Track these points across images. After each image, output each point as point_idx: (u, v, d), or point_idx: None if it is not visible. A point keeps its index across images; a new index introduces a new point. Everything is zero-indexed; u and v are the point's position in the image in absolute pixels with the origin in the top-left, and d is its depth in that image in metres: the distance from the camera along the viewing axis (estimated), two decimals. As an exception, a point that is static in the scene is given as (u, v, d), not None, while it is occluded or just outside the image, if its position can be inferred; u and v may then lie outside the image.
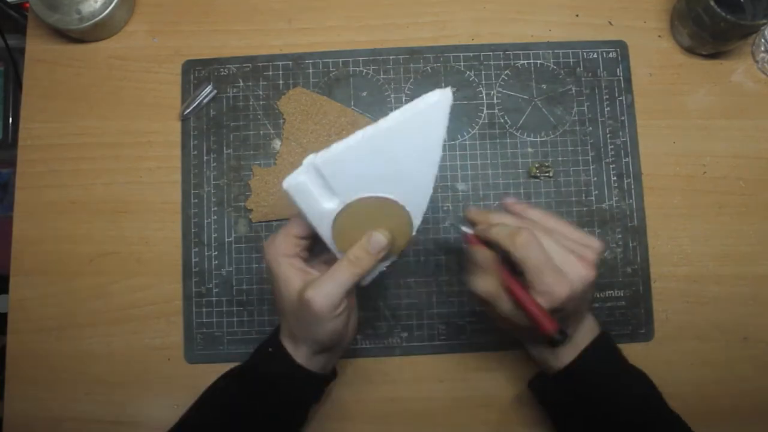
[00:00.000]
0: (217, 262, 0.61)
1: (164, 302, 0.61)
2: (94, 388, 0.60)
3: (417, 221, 0.48)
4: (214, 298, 0.61)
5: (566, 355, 0.48)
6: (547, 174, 0.62)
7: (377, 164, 0.44)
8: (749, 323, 0.60)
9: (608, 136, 0.62)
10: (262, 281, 0.61)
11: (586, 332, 0.49)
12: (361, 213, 0.45)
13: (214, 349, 0.60)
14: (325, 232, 0.45)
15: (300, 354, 0.48)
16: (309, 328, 0.46)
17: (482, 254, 0.46)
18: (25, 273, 0.61)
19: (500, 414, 0.59)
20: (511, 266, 0.45)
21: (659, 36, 0.64)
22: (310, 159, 0.42)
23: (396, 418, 0.59)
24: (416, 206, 0.47)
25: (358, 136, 0.42)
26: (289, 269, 0.46)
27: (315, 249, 0.49)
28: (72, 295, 0.61)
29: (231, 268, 0.61)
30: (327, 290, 0.44)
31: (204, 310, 0.61)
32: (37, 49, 0.65)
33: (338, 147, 0.42)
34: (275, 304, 0.50)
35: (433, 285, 0.61)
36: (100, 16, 0.61)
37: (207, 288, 0.61)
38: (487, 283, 0.46)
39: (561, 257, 0.44)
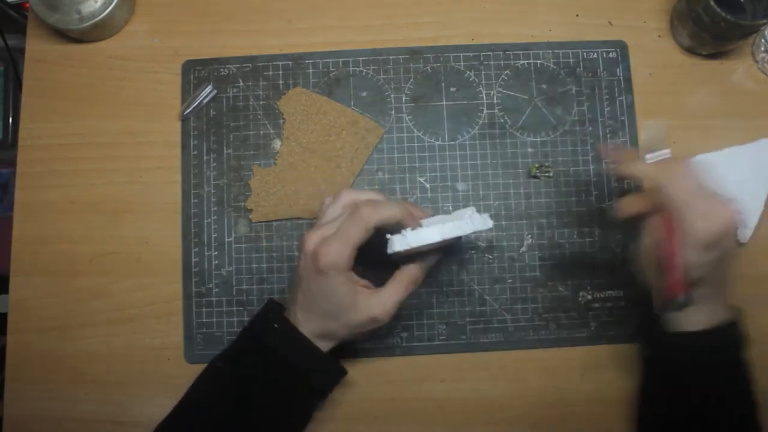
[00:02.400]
0: (217, 262, 0.61)
1: (164, 302, 0.61)
2: (94, 388, 0.60)
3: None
4: (214, 298, 0.61)
5: (698, 319, 0.47)
6: (547, 174, 0.62)
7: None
8: (749, 323, 0.60)
9: (608, 136, 0.62)
10: (262, 281, 0.61)
11: (722, 311, 0.48)
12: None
13: (214, 349, 0.60)
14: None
15: (327, 346, 0.51)
16: (358, 334, 0.50)
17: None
18: (25, 273, 0.61)
19: (500, 414, 0.59)
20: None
21: (659, 36, 0.64)
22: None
23: (396, 418, 0.59)
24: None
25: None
26: (351, 284, 0.48)
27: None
28: (72, 295, 0.61)
29: (231, 268, 0.61)
30: (390, 307, 0.49)
31: (204, 310, 0.61)
32: (37, 49, 0.65)
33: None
34: (310, 303, 0.49)
35: (433, 285, 0.61)
36: (100, 16, 0.61)
37: (207, 288, 0.61)
38: (635, 203, 0.47)
39: (709, 197, 0.44)
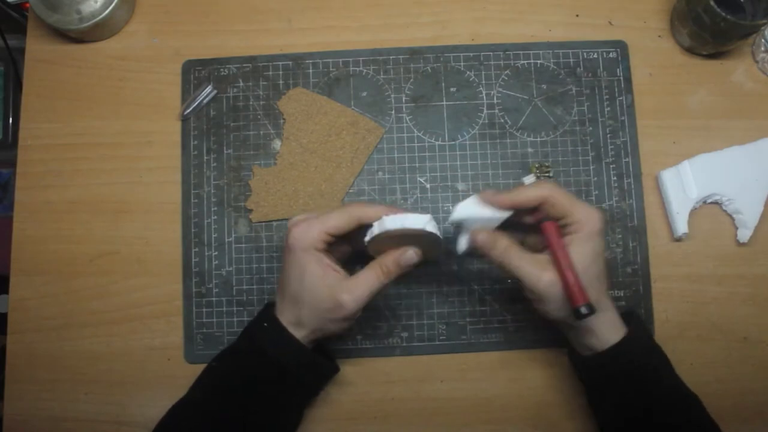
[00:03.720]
0: (217, 262, 0.61)
1: (164, 302, 0.61)
2: (94, 388, 0.60)
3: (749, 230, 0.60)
4: (214, 298, 0.61)
5: (608, 336, 0.49)
6: (547, 174, 0.62)
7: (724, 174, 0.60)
8: (749, 323, 0.60)
9: (608, 136, 0.62)
10: (262, 281, 0.61)
11: (616, 320, 0.50)
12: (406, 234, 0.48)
13: (214, 349, 0.60)
14: None
15: (301, 336, 0.50)
16: (325, 321, 0.49)
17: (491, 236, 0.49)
18: (25, 273, 0.61)
19: (500, 414, 0.59)
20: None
21: (659, 36, 0.64)
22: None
23: (396, 418, 0.59)
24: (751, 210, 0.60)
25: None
26: (320, 265, 0.48)
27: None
28: (72, 295, 0.61)
29: (231, 268, 0.61)
30: (359, 294, 0.48)
31: (204, 310, 0.61)
32: (37, 49, 0.65)
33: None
34: (284, 287, 0.50)
35: (433, 285, 0.61)
36: (100, 16, 0.61)
37: (207, 288, 0.61)
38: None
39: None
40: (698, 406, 0.50)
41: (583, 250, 0.47)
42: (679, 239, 0.60)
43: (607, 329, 0.49)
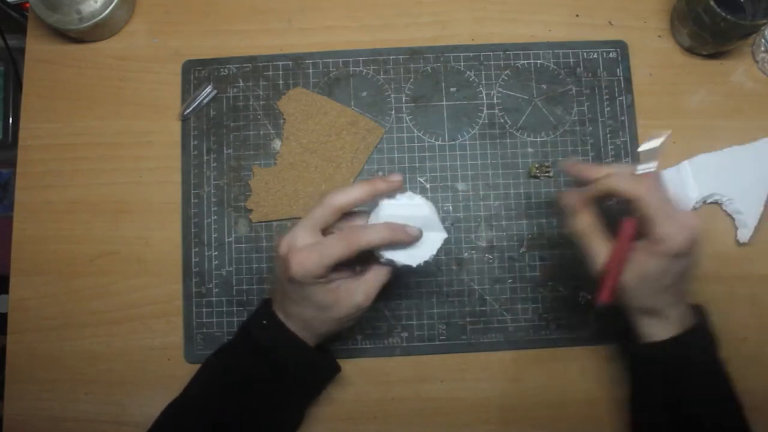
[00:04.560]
0: (217, 262, 0.61)
1: (164, 302, 0.61)
2: (94, 388, 0.60)
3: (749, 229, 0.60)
4: (214, 298, 0.61)
5: (668, 327, 0.49)
6: (547, 174, 0.62)
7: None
8: (749, 323, 0.60)
9: (608, 136, 0.62)
10: (262, 281, 0.61)
11: (688, 314, 0.50)
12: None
13: (213, 349, 0.59)
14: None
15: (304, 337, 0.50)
16: (336, 326, 0.50)
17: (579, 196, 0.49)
18: (25, 273, 0.61)
19: (500, 414, 0.59)
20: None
21: (659, 36, 0.64)
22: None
23: (396, 418, 0.59)
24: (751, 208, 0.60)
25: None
26: (326, 288, 0.47)
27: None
28: (72, 295, 0.61)
29: (231, 268, 0.61)
30: (370, 290, 0.48)
31: (204, 310, 0.61)
32: (37, 49, 0.65)
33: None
34: (288, 306, 0.49)
35: (433, 285, 0.61)
36: (100, 16, 0.61)
37: (207, 288, 0.61)
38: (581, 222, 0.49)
39: (678, 208, 0.46)
40: (739, 415, 0.50)
41: (648, 262, 0.46)
42: None
43: (671, 324, 0.49)
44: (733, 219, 0.61)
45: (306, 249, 0.45)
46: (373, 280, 0.49)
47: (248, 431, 0.51)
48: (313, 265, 0.45)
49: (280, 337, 0.50)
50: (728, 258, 0.61)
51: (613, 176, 0.47)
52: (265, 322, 0.51)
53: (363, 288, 0.48)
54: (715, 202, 0.61)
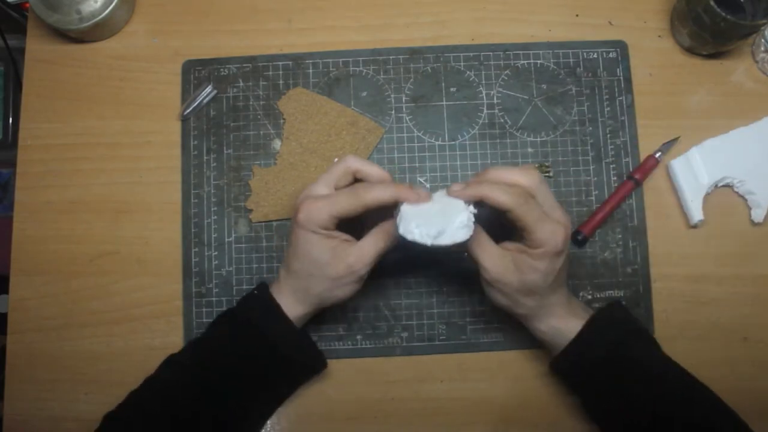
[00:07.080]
0: (217, 262, 0.61)
1: (164, 302, 0.61)
2: (94, 388, 0.60)
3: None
4: (214, 298, 0.61)
5: (571, 327, 0.50)
6: (547, 174, 0.62)
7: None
8: (749, 323, 0.60)
9: (608, 136, 0.62)
10: (262, 281, 0.61)
11: (581, 308, 0.53)
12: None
13: (214, 349, 0.60)
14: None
15: (296, 311, 0.52)
16: (333, 288, 0.50)
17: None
18: (25, 273, 0.61)
19: (500, 414, 0.59)
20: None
21: (659, 36, 0.64)
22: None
23: (396, 418, 0.59)
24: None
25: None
26: (328, 239, 0.49)
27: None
28: (72, 295, 0.61)
29: (231, 268, 0.61)
30: (366, 255, 0.49)
31: (204, 310, 0.61)
32: (37, 49, 0.65)
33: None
34: (290, 261, 0.51)
35: (433, 285, 0.61)
36: (100, 16, 0.61)
37: (207, 288, 0.61)
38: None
39: (543, 209, 0.48)
40: (688, 383, 0.51)
41: (536, 265, 0.47)
42: (695, 226, 0.60)
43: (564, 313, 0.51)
44: (745, 200, 0.61)
45: (318, 198, 0.49)
46: (368, 245, 0.50)
47: (232, 401, 0.53)
48: (320, 212, 0.48)
49: (270, 316, 0.52)
50: (728, 258, 0.61)
51: (484, 185, 0.47)
52: (256, 292, 0.53)
53: (357, 251, 0.49)
54: (727, 185, 0.61)
